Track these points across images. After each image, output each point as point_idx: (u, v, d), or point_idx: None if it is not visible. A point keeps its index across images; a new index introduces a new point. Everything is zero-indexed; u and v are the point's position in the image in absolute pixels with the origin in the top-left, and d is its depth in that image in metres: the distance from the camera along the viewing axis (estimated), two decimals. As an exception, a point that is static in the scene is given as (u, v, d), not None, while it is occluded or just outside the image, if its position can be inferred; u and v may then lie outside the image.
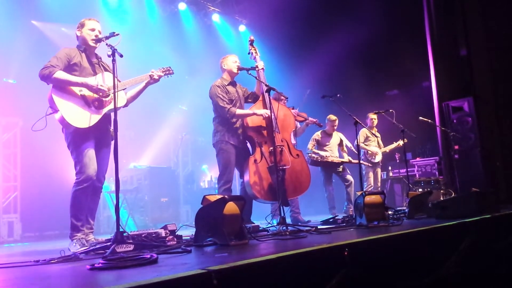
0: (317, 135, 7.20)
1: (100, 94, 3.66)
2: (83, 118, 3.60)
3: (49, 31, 7.98)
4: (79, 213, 3.64)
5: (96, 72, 3.82)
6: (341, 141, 7.25)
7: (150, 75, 3.95)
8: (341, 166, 7.08)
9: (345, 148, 7.25)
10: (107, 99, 3.73)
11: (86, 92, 3.65)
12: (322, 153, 7.00)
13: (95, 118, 3.66)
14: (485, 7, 8.12)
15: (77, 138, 3.64)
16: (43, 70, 3.53)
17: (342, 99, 5.41)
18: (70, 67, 3.68)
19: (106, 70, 3.91)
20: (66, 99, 3.59)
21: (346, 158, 7.16)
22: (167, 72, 4.12)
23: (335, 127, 7.17)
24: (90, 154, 3.66)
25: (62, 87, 3.60)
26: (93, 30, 3.80)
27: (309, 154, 6.99)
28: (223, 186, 4.71)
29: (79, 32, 3.84)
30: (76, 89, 3.63)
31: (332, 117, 7.10)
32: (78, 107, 3.61)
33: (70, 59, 3.69)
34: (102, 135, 3.82)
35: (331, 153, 7.07)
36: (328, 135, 7.20)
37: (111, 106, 3.68)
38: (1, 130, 7.26)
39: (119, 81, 3.74)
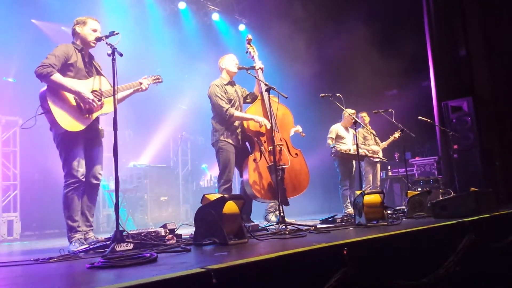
0: (336, 128, 7.17)
1: (87, 107, 3.61)
2: (75, 122, 3.57)
3: (49, 30, 7.99)
4: (73, 214, 3.61)
5: (89, 74, 3.79)
6: (354, 136, 7.25)
7: (140, 83, 3.98)
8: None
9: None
10: (98, 103, 3.69)
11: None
12: (344, 147, 6.95)
13: (86, 122, 3.64)
14: (484, 7, 8.13)
15: (66, 141, 3.62)
16: (42, 69, 3.47)
17: (341, 99, 5.41)
18: (66, 67, 3.63)
19: (98, 72, 3.88)
20: (60, 101, 3.55)
21: (363, 151, 7.19)
22: (157, 80, 4.17)
23: (352, 121, 7.14)
24: (78, 157, 3.64)
25: (56, 89, 3.56)
26: (95, 31, 3.78)
27: (337, 148, 6.89)
28: (223, 186, 4.71)
29: (79, 29, 3.78)
30: (72, 83, 3.59)
31: (350, 110, 6.77)
32: (71, 110, 3.57)
33: (67, 58, 3.64)
34: (92, 136, 3.81)
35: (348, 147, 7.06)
36: (345, 129, 7.22)
37: (103, 110, 3.73)
38: (1, 129, 7.26)
39: (111, 86, 3.74)
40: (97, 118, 3.82)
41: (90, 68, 3.83)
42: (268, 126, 4.64)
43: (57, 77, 3.50)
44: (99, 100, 3.70)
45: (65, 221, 3.63)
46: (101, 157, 3.88)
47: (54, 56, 3.57)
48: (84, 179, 3.66)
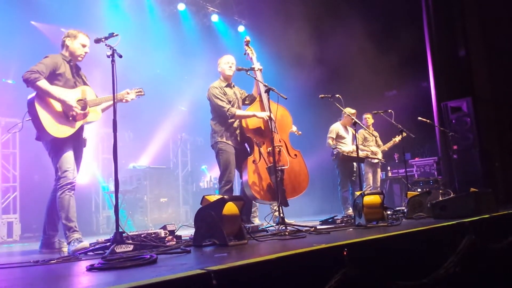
0: (336, 127, 7.10)
1: (71, 113, 3.68)
2: (62, 128, 3.67)
3: (48, 32, 7.98)
4: (70, 215, 3.69)
5: (77, 84, 3.90)
6: (354, 136, 7.21)
7: (124, 94, 4.08)
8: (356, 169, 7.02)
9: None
10: (84, 111, 3.80)
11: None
12: (346, 148, 6.89)
13: (72, 129, 3.74)
14: (484, 7, 8.14)
15: (57, 147, 3.73)
16: (29, 74, 3.55)
17: (341, 100, 5.40)
18: (54, 76, 3.73)
19: (85, 82, 4.00)
20: (47, 107, 3.64)
21: (365, 153, 7.17)
22: (139, 93, 4.25)
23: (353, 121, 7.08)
24: (71, 160, 3.76)
25: (44, 96, 3.65)
26: (84, 46, 3.90)
27: (339, 149, 6.83)
28: (224, 187, 4.71)
29: (69, 42, 3.89)
30: (58, 91, 3.69)
31: (350, 110, 6.66)
32: (58, 117, 3.67)
33: (56, 68, 3.75)
34: (77, 143, 3.93)
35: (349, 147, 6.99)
36: (346, 129, 7.17)
37: (88, 119, 3.85)
38: (0, 130, 7.26)
39: (96, 96, 3.94)
40: (82, 127, 3.93)
41: (78, 78, 3.95)
42: (268, 116, 4.65)
43: (43, 83, 3.59)
44: (85, 109, 3.81)
45: (62, 223, 3.70)
46: (79, 167, 4.00)
47: (44, 65, 3.67)
48: (75, 181, 3.77)
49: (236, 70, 4.88)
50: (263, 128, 4.83)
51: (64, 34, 3.92)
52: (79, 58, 3.92)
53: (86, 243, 3.47)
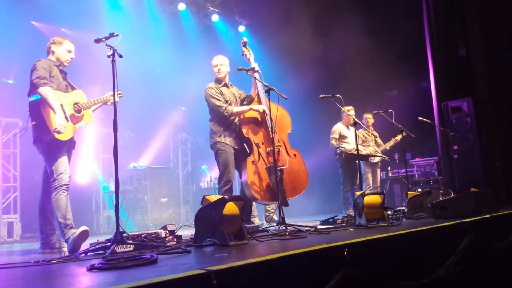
0: (339, 128, 7.11)
1: (55, 128, 3.75)
2: (64, 131, 3.78)
3: (49, 31, 7.98)
4: (66, 214, 3.84)
5: (67, 87, 4.05)
6: (355, 134, 7.20)
7: (109, 97, 4.21)
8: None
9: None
10: (79, 114, 3.96)
11: (65, 107, 3.85)
12: (349, 146, 6.87)
13: (71, 131, 3.89)
14: (483, 8, 8.14)
15: (54, 149, 3.86)
16: (40, 79, 3.73)
17: (341, 99, 5.40)
18: (48, 78, 3.85)
19: (73, 87, 4.13)
20: (49, 111, 3.77)
21: (368, 151, 7.18)
22: (119, 95, 4.33)
23: (352, 120, 7.02)
24: (66, 163, 3.92)
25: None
26: (69, 52, 4.07)
27: (342, 149, 6.82)
28: (223, 187, 4.72)
29: (55, 48, 4.03)
30: (57, 103, 3.79)
31: (347, 107, 6.54)
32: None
33: (50, 71, 3.89)
34: (69, 146, 4.05)
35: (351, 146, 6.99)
36: (347, 128, 7.17)
37: (84, 121, 4.01)
38: (1, 130, 7.26)
39: (87, 100, 4.10)
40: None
41: (67, 82, 4.10)
42: (265, 109, 4.71)
43: (48, 90, 3.75)
44: (79, 112, 3.95)
45: (57, 222, 3.84)
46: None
47: (43, 68, 3.82)
48: (69, 183, 3.91)
49: (237, 70, 4.87)
50: (259, 119, 4.83)
51: (50, 41, 4.07)
52: (65, 64, 4.08)
53: (84, 227, 3.59)
